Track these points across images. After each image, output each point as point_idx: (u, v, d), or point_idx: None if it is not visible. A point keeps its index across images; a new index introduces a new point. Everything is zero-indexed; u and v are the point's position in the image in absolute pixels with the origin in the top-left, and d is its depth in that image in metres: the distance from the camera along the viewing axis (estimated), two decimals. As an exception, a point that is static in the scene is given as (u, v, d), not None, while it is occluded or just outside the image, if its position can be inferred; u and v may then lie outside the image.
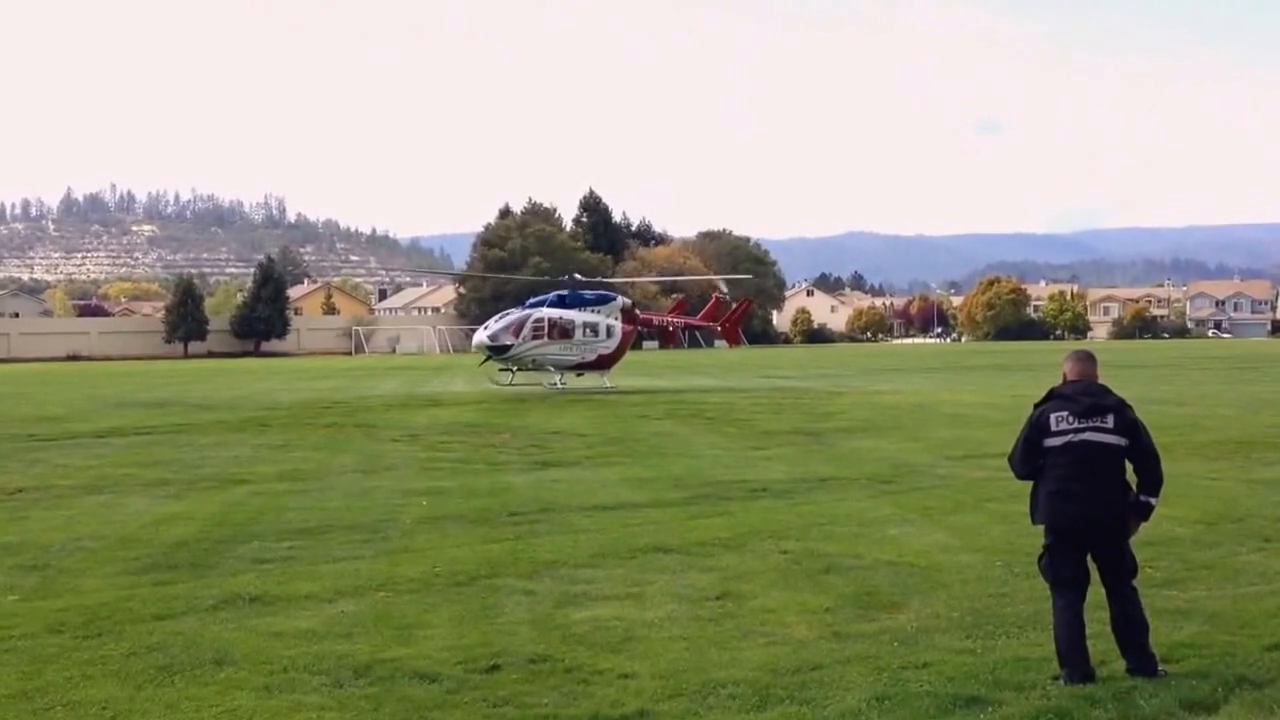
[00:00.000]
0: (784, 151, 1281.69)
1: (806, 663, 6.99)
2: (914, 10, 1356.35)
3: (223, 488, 15.15)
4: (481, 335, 37.25)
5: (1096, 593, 6.72)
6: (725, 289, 45.98)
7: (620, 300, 38.90)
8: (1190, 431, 20.57)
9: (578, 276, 40.70)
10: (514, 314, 37.75)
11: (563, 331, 36.64)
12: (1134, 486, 6.71)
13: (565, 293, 38.26)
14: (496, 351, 36.68)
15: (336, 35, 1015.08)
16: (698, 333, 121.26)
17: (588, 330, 37.15)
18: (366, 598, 8.80)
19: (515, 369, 37.35)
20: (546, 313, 36.83)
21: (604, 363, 37.93)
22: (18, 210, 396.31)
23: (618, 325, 37.98)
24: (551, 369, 37.06)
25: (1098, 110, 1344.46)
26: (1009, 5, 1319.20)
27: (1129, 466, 6.71)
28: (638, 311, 41.11)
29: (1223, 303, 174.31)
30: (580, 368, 37.67)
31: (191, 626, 8.01)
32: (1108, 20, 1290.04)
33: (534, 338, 36.29)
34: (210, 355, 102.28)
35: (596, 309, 37.84)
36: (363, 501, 13.70)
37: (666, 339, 44.25)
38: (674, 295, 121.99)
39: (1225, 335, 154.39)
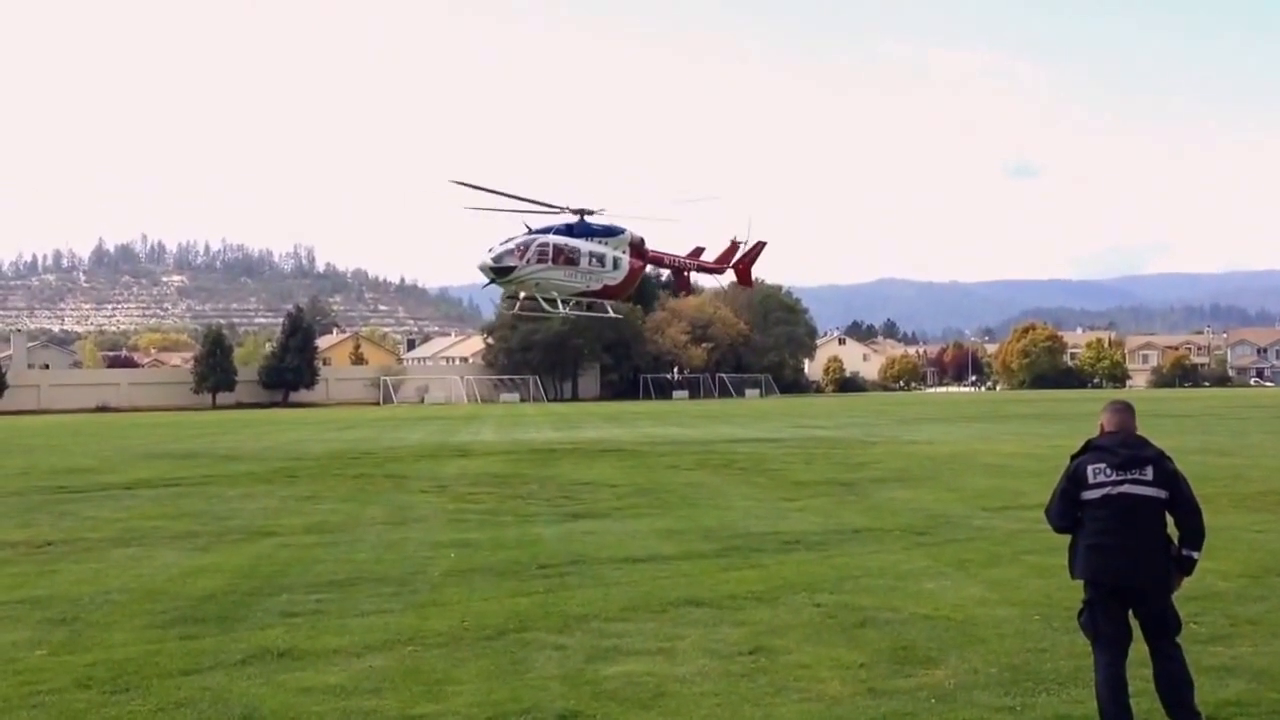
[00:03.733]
0: (815, 199, 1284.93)
1: (841, 720, 6.92)
2: (946, 55, 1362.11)
3: (250, 540, 15.22)
4: (485, 257, 36.80)
5: (1139, 649, 6.63)
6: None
7: (628, 234, 38.59)
8: (1234, 483, 20.31)
9: (585, 207, 40.34)
10: (519, 237, 37.28)
11: (568, 258, 36.42)
12: (1175, 540, 6.65)
13: (573, 222, 37.90)
14: (500, 274, 36.42)
15: (364, 85, 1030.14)
16: (728, 381, 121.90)
17: (594, 260, 36.97)
18: (395, 652, 8.80)
19: (522, 295, 37.30)
20: (552, 238, 36.59)
21: (610, 293, 38.03)
22: (49, 261, 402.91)
23: (625, 259, 37.87)
24: (556, 295, 36.95)
25: (1133, 154, 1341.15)
26: (1042, 49, 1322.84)
27: (1170, 520, 6.66)
28: (648, 248, 40.71)
29: (1265, 350, 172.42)
30: (585, 296, 37.63)
31: (219, 682, 8.03)
32: (1142, 63, 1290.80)
33: (538, 261, 36.01)
34: (239, 406, 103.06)
35: (604, 240, 37.67)
36: (391, 554, 13.73)
37: (677, 281, 43.46)
38: (703, 344, 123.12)
39: (1268, 384, 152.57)
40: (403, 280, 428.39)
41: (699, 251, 43.92)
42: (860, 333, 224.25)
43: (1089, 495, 6.59)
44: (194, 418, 75.06)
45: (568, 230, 37.29)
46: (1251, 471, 22.77)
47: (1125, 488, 6.52)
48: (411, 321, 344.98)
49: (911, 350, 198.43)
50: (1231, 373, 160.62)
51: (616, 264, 37.57)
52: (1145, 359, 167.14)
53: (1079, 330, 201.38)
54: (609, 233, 38.13)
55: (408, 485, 22.78)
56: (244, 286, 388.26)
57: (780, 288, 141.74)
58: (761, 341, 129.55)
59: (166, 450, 36.11)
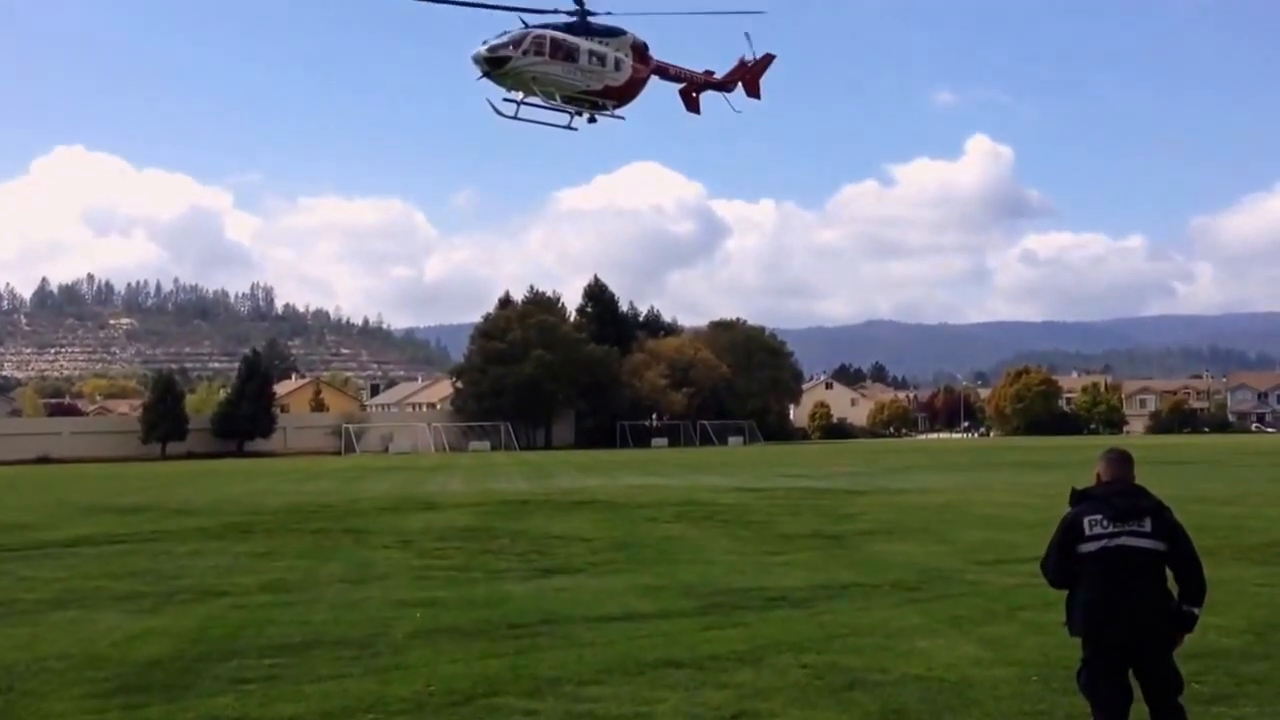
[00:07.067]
0: (801, 237, 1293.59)
1: (829, 789, 6.88)
2: (934, 90, 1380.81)
3: (200, 600, 15.05)
4: (480, 49, 36.63)
5: (1140, 710, 6.63)
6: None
7: (630, 36, 38.76)
8: (1236, 534, 20.42)
9: (586, 8, 40.27)
10: (514, 31, 37.16)
11: (566, 53, 36.62)
12: (1175, 594, 6.66)
13: (573, 20, 37.93)
14: (494, 64, 36.21)
15: (325, 117, 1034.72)
16: (710, 428, 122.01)
17: (593, 58, 37.18)
18: (354, 720, 8.70)
19: (520, 96, 37.11)
20: (550, 32, 36.73)
21: (611, 94, 38.17)
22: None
23: (627, 60, 38.13)
24: (554, 94, 36.96)
25: (1126, 193, 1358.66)
26: (1031, 85, 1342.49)
27: (1170, 573, 6.67)
28: (652, 55, 40.40)
29: (1265, 395, 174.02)
30: (586, 96, 37.64)
31: (165, 752, 7.90)
32: (1133, 99, 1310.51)
33: (535, 54, 36.11)
34: (190, 456, 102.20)
35: (604, 40, 37.83)
36: (351, 614, 13.60)
37: (685, 101, 42.66)
38: (684, 389, 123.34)
39: (1269, 430, 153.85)
40: (366, 322, 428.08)
41: (709, 74, 43.88)
42: (848, 376, 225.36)
43: (1086, 548, 6.60)
44: (142, 469, 74.43)
45: (567, 28, 37.44)
46: (1255, 522, 22.90)
47: (1123, 540, 6.54)
48: (375, 365, 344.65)
49: (901, 395, 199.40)
50: (1231, 418, 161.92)
51: (618, 65, 37.82)
52: (1143, 404, 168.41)
53: (1074, 374, 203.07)
54: (610, 33, 38.31)
55: (370, 540, 22.62)
56: (197, 329, 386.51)
57: (763, 329, 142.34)
58: (744, 386, 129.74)
59: (111, 504, 35.75)
